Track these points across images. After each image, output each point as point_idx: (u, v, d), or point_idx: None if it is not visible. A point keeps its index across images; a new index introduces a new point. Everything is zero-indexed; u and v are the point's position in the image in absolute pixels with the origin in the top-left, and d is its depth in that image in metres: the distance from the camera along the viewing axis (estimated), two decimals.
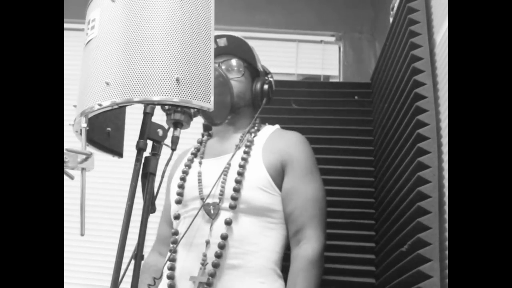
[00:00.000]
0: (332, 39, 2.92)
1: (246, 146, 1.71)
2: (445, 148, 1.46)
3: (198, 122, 1.74)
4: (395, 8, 2.04)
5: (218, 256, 1.54)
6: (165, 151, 1.21)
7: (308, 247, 1.57)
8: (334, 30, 2.93)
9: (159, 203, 1.20)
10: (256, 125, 1.81)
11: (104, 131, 1.30)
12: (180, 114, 1.19)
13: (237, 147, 1.71)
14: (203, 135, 1.93)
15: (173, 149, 1.22)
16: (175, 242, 1.65)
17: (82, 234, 1.10)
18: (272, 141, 1.73)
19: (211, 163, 1.74)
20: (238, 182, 1.62)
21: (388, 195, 1.84)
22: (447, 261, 1.34)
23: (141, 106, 1.18)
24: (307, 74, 2.87)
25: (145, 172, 1.15)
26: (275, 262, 1.59)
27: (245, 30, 2.88)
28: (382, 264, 1.88)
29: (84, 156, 1.13)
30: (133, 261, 1.11)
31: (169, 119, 1.21)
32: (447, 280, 1.33)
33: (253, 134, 1.76)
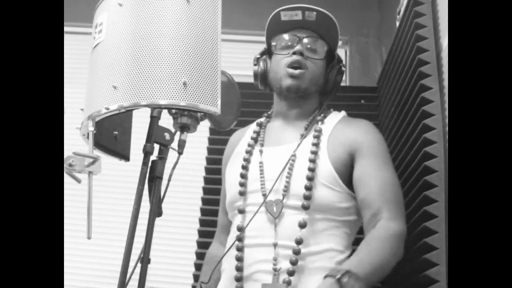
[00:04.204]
0: (339, 43, 2.92)
1: (315, 136, 1.56)
2: None
3: (205, 126, 1.74)
4: (401, 12, 2.04)
5: (294, 263, 1.41)
6: (172, 155, 1.21)
7: (391, 223, 1.41)
8: (340, 34, 2.90)
9: (166, 206, 1.20)
10: (323, 111, 1.67)
11: (111, 135, 1.31)
12: (187, 118, 1.20)
13: (303, 136, 1.58)
14: (262, 116, 1.77)
15: (180, 153, 1.23)
16: (241, 239, 1.51)
17: (89, 237, 1.10)
18: (339, 131, 1.58)
19: (273, 153, 1.59)
20: (310, 179, 1.48)
21: None
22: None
23: (148, 110, 1.19)
24: None
25: (152, 175, 1.15)
26: (339, 262, 1.44)
27: (251, 34, 2.88)
28: None
29: (91, 160, 1.14)
30: (139, 265, 1.11)
31: (176, 122, 1.21)
32: None
33: (319, 122, 1.62)
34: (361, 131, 1.57)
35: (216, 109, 1.14)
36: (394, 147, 1.89)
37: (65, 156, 1.12)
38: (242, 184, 1.57)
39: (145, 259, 1.10)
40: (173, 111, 1.21)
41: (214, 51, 1.17)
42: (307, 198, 1.46)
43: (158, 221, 1.15)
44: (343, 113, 1.71)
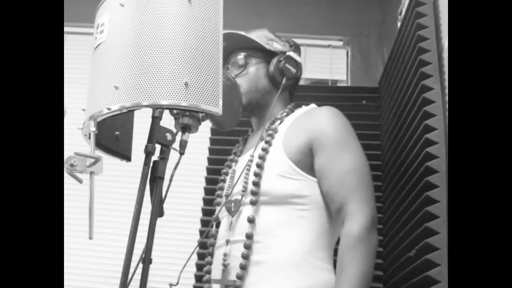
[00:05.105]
0: (340, 43, 2.92)
1: (269, 135, 1.59)
2: None
3: (206, 126, 1.73)
4: (403, 13, 2.04)
5: (245, 257, 1.44)
6: (173, 155, 1.21)
7: (352, 224, 1.39)
8: (342, 34, 2.93)
9: (167, 207, 1.20)
10: (287, 110, 1.69)
11: (113, 135, 1.31)
12: (188, 118, 1.20)
13: (261, 139, 1.60)
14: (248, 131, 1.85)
15: (181, 153, 1.23)
16: (212, 245, 1.59)
17: (91, 238, 1.10)
18: (299, 122, 1.59)
19: (242, 160, 1.67)
20: (256, 175, 1.52)
21: (396, 200, 1.84)
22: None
23: (150, 110, 1.19)
24: (314, 78, 2.87)
25: (154, 176, 1.15)
26: (309, 253, 1.44)
27: None
28: (389, 268, 1.88)
29: (92, 160, 1.14)
30: (141, 265, 1.11)
31: (177, 123, 1.21)
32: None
33: (278, 121, 1.65)
34: (319, 119, 1.56)
35: (218, 109, 1.14)
36: (396, 148, 1.89)
37: (67, 156, 1.12)
38: (218, 196, 1.68)
39: (146, 259, 1.10)
40: (175, 111, 1.21)
41: (215, 52, 1.17)
42: (254, 193, 1.50)
43: (159, 221, 1.15)
44: (311, 106, 1.70)
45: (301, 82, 2.76)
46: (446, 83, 1.56)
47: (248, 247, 1.45)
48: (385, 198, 2.07)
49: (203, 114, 1.22)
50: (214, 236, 1.61)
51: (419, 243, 1.46)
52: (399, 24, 2.09)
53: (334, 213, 1.47)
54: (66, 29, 2.93)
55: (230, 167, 1.72)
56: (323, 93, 2.46)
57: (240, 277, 1.43)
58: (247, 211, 1.51)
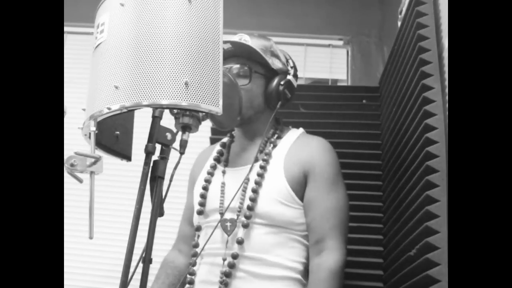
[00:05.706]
0: (340, 43, 2.92)
1: (263, 160, 1.65)
2: None
3: (206, 126, 1.73)
4: (403, 12, 2.04)
5: (227, 275, 1.54)
6: (174, 155, 1.21)
7: (330, 258, 1.53)
8: (342, 34, 2.93)
9: (168, 206, 1.20)
10: (278, 131, 1.74)
11: (113, 135, 1.31)
12: (188, 118, 1.20)
13: (255, 160, 1.64)
14: (227, 137, 1.86)
15: (182, 153, 1.23)
16: (195, 255, 1.64)
17: (91, 237, 1.10)
18: (295, 151, 1.66)
19: (234, 174, 1.68)
20: (252, 200, 1.59)
21: (396, 199, 1.84)
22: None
23: (150, 110, 1.19)
24: (315, 78, 2.87)
25: (154, 175, 1.15)
26: (301, 273, 1.57)
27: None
28: (390, 268, 1.88)
29: (93, 160, 1.14)
30: (141, 265, 1.11)
31: (177, 122, 1.21)
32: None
33: (271, 145, 1.69)
34: (315, 152, 1.65)
35: (218, 109, 1.14)
36: (396, 147, 1.89)
37: (67, 156, 1.12)
38: (201, 204, 1.69)
39: (146, 259, 1.10)
40: (175, 111, 1.21)
41: (215, 51, 1.17)
42: (247, 217, 1.57)
43: (159, 221, 1.15)
44: (300, 130, 1.78)
45: (301, 82, 2.78)
46: (446, 82, 1.56)
47: (232, 266, 1.55)
48: (385, 197, 2.07)
49: (204, 113, 1.22)
50: (197, 246, 1.67)
51: (419, 243, 1.46)
52: (399, 24, 2.09)
53: (311, 242, 1.59)
54: (66, 29, 2.93)
55: (212, 174, 1.74)
56: (323, 93, 2.46)
57: None
58: (241, 232, 1.59)
